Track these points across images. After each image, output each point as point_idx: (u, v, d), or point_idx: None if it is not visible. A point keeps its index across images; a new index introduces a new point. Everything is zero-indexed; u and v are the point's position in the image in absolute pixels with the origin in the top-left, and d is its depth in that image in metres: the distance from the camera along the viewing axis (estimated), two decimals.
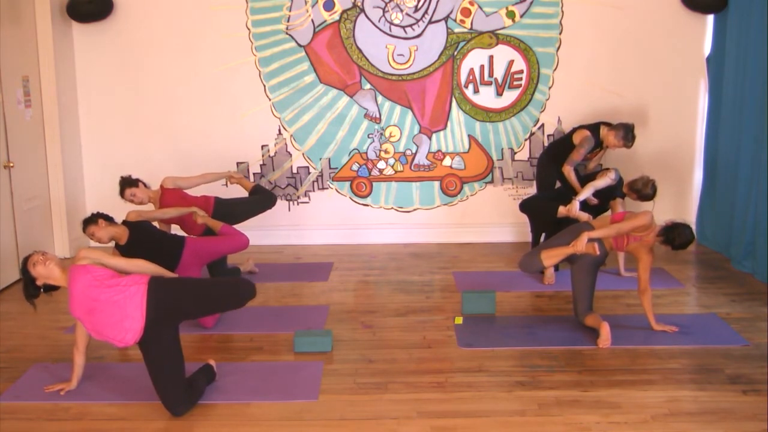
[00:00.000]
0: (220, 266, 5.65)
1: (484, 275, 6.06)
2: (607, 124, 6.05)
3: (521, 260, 4.87)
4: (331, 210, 7.14)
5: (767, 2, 5.66)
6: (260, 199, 6.04)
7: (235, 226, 5.55)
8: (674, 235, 4.54)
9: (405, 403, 3.86)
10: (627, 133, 5.95)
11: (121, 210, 5.39)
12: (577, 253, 4.59)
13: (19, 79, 6.17)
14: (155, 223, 5.40)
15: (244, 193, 6.21)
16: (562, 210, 5.63)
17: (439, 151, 7.02)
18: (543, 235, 6.05)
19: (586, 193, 5.64)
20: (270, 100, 6.95)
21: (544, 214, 5.86)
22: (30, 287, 3.81)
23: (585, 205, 5.68)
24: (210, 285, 3.95)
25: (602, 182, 5.71)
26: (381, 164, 7.05)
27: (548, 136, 6.94)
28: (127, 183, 5.58)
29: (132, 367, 4.32)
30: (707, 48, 6.77)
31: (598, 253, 4.54)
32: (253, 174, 7.04)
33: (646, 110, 6.88)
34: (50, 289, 3.85)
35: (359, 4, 6.75)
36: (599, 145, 6.03)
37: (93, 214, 4.90)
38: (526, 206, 6.03)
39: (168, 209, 5.44)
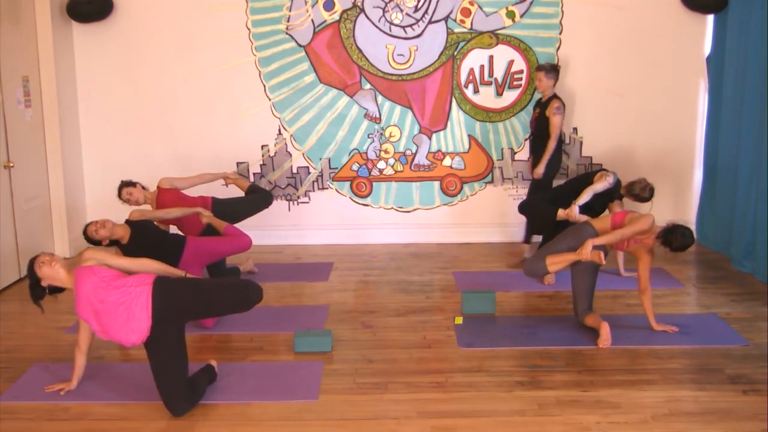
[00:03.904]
0: (219, 266, 5.64)
1: (484, 275, 6.06)
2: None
3: (525, 265, 4.89)
4: (331, 210, 7.14)
5: (767, 2, 5.66)
6: (257, 198, 6.03)
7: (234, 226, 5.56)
8: (673, 238, 4.54)
9: (405, 403, 3.86)
10: (542, 66, 6.23)
11: (119, 210, 5.40)
12: (582, 261, 4.60)
13: (19, 79, 6.17)
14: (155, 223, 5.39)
15: (241, 193, 6.20)
16: (561, 213, 5.63)
17: (439, 151, 7.02)
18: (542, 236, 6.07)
19: (586, 197, 5.64)
20: (270, 100, 6.95)
21: (543, 216, 5.86)
22: (36, 288, 3.81)
23: (583, 208, 5.69)
24: (217, 287, 3.89)
25: (601, 186, 5.71)
26: (381, 164, 7.05)
27: None
28: (125, 183, 5.58)
29: (133, 367, 4.32)
30: (707, 48, 6.77)
31: (603, 262, 4.55)
32: (253, 174, 7.04)
33: (646, 110, 6.88)
34: (55, 290, 3.85)
35: (359, 4, 6.75)
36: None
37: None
38: (525, 208, 6.03)
39: (172, 209, 5.41)
